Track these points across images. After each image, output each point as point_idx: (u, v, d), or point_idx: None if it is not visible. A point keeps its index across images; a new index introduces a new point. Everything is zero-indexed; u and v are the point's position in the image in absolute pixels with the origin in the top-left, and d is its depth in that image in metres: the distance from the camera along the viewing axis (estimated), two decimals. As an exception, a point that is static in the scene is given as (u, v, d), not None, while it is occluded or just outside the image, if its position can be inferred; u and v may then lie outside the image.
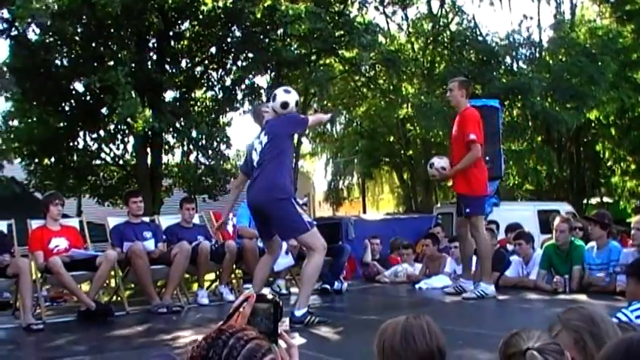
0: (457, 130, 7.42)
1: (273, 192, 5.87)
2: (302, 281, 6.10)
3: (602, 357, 1.63)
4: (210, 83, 17.01)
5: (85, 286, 7.50)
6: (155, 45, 15.95)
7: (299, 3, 15.37)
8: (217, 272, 8.55)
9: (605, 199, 26.88)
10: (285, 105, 6.12)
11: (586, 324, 2.18)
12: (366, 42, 15.55)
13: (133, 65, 13.88)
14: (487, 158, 7.66)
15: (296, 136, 6.39)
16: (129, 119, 13.67)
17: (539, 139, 21.50)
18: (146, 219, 8.34)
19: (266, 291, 1.80)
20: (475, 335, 4.94)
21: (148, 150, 15.77)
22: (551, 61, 20.09)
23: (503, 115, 11.11)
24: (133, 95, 12.61)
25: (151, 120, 12.78)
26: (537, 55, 21.71)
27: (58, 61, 14.93)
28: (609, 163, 25.18)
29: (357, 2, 18.49)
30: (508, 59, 21.34)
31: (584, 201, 24.63)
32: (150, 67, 15.21)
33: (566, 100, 18.91)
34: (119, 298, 7.79)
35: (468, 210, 7.28)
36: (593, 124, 22.66)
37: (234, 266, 8.35)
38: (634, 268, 4.03)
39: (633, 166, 24.30)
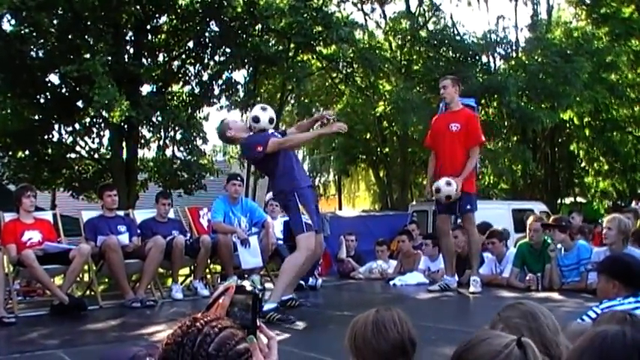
0: (458, 127, 7.47)
1: None
2: (280, 274, 6.23)
3: (575, 350, 1.63)
4: (187, 78, 16.93)
5: (59, 280, 7.45)
6: (132, 38, 15.85)
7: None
8: (192, 267, 8.53)
9: (579, 199, 27.15)
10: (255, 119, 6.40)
11: (526, 320, 2.20)
12: (344, 34, 15.54)
13: (110, 58, 13.77)
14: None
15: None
16: (104, 112, 13.58)
17: (515, 138, 21.67)
18: (120, 213, 8.30)
19: (246, 284, 1.80)
20: (448, 331, 4.98)
21: (124, 144, 15.67)
22: (527, 61, 20.25)
23: (478, 114, 11.22)
24: (111, 84, 12.51)
25: (128, 110, 12.65)
26: (513, 54, 21.89)
27: (33, 53, 14.77)
28: (583, 164, 25.44)
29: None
30: (484, 58, 21.51)
31: (559, 201, 24.85)
32: (127, 60, 15.10)
33: (542, 100, 19.10)
34: (93, 292, 7.74)
35: (469, 207, 7.47)
36: (567, 125, 22.88)
37: (209, 261, 8.34)
38: (605, 265, 4.08)
39: (606, 167, 24.57)
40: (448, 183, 7.31)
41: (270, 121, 6.39)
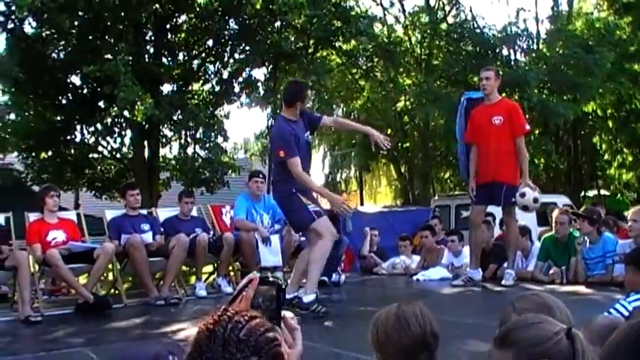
0: (501, 119, 7.40)
1: None
2: (309, 266, 6.14)
3: (610, 344, 1.60)
4: (207, 76, 16.98)
5: (83, 279, 7.50)
6: (152, 38, 15.92)
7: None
8: (215, 264, 8.56)
9: (603, 192, 26.87)
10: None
11: (541, 312, 2.16)
12: (363, 27, 15.45)
13: (130, 57, 13.84)
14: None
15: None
16: (126, 112, 13.68)
17: (537, 131, 21.49)
18: (144, 211, 8.35)
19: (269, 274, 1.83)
20: (473, 326, 4.96)
21: (145, 143, 15.75)
22: (548, 54, 20.08)
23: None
24: (134, 83, 12.58)
25: (152, 108, 12.68)
26: (534, 47, 21.71)
27: (54, 54, 14.88)
28: (606, 156, 25.19)
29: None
30: (505, 51, 21.36)
31: (582, 193, 24.63)
32: (147, 59, 15.17)
33: (563, 92, 18.93)
34: (117, 291, 7.79)
35: (513, 200, 7.41)
36: (590, 117, 22.66)
37: (232, 258, 8.35)
38: (633, 257, 4.02)
39: (630, 159, 24.31)
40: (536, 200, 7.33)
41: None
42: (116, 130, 16.14)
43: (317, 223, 5.98)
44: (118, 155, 16.41)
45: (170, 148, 17.24)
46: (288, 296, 6.16)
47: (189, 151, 16.64)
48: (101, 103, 15.47)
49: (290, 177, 6.01)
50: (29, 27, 14.43)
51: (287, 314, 1.74)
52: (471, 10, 22.78)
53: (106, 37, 14.55)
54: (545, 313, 2.12)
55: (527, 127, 7.75)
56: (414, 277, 8.69)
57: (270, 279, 1.73)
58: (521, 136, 7.54)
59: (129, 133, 15.93)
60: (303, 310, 5.68)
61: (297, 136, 6.08)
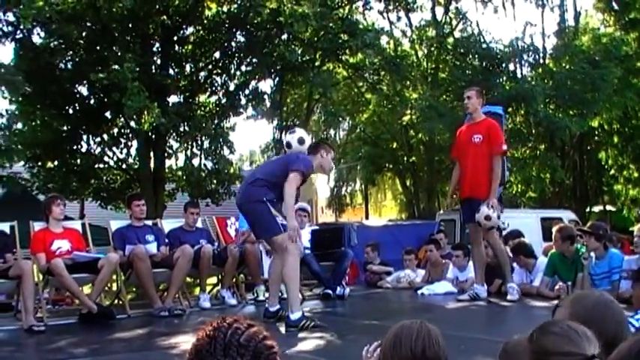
0: (480, 138, 7.47)
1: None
2: (286, 287, 6.21)
3: (613, 358, 1.60)
4: (213, 88, 17.03)
5: (87, 289, 7.49)
6: (159, 49, 15.98)
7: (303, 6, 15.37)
8: (219, 276, 8.54)
9: (608, 207, 26.80)
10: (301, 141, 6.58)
11: (597, 311, 2.16)
12: (369, 40, 15.49)
13: (138, 68, 13.91)
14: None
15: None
16: (133, 123, 13.69)
17: (543, 146, 21.48)
18: (149, 222, 8.34)
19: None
20: (477, 340, 4.93)
21: (152, 154, 15.78)
22: (554, 69, 20.10)
23: (506, 122, 11.15)
24: (142, 91, 12.60)
25: (159, 116, 12.71)
26: (541, 61, 21.74)
27: (62, 64, 14.95)
28: (612, 171, 25.14)
29: (360, 7, 18.56)
30: (511, 66, 21.39)
31: (587, 209, 24.58)
32: (154, 70, 15.23)
33: (570, 107, 18.94)
34: (121, 301, 7.77)
35: None
36: (596, 132, 22.67)
37: (236, 270, 8.34)
38: (640, 273, 3.99)
39: (636, 174, 24.26)
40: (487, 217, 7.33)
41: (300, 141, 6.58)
42: (122, 140, 16.21)
43: (282, 236, 6.01)
44: (124, 166, 16.47)
45: (176, 160, 17.30)
46: (272, 309, 6.31)
47: (195, 162, 16.69)
48: (108, 114, 15.53)
49: (270, 187, 6.13)
50: (37, 37, 14.54)
51: None
52: (477, 25, 22.83)
53: (114, 47, 14.61)
54: (600, 312, 2.13)
55: (504, 147, 7.76)
56: (419, 291, 8.67)
57: None
58: (498, 155, 7.53)
59: (135, 143, 15.99)
60: (292, 328, 5.74)
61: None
